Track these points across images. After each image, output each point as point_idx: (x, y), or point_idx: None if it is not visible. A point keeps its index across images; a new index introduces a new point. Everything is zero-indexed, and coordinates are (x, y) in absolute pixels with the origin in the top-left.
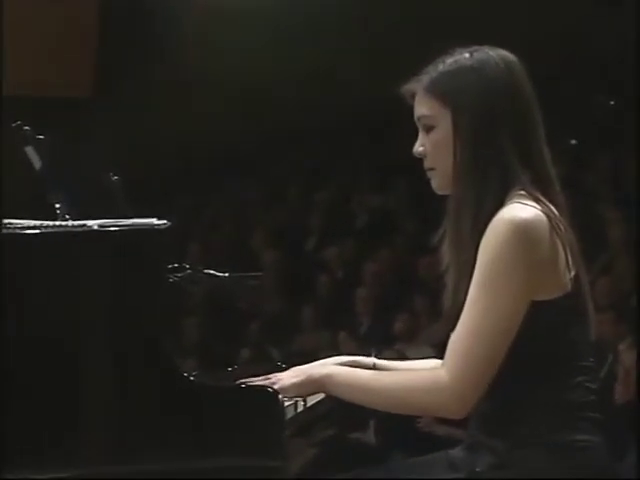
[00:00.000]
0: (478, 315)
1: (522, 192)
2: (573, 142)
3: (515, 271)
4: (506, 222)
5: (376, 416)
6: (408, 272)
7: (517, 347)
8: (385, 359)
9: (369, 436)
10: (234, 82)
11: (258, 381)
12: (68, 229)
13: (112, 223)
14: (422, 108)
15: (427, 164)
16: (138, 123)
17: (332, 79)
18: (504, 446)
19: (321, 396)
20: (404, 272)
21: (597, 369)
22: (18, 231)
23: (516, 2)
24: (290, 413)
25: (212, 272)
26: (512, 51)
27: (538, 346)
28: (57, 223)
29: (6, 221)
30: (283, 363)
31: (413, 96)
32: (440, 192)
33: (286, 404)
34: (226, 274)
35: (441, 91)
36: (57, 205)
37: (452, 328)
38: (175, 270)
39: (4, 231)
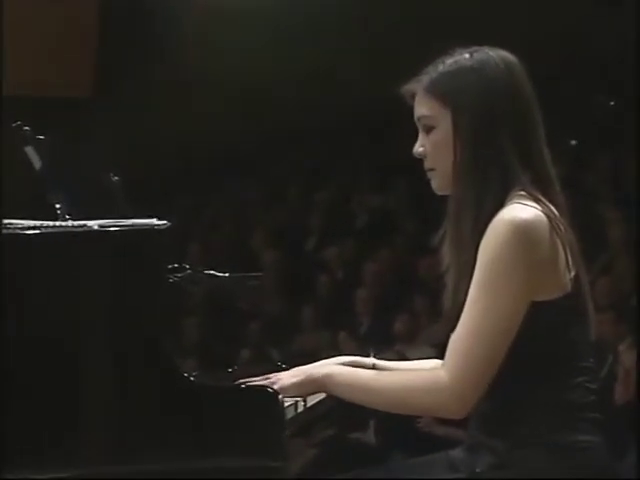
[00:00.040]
0: (478, 315)
1: (522, 192)
2: (573, 142)
3: (515, 271)
4: (506, 222)
5: (376, 416)
6: (408, 272)
7: (517, 347)
8: (385, 359)
9: (369, 436)
10: (234, 82)
11: (258, 381)
12: (68, 229)
13: (112, 223)
14: (422, 108)
15: (427, 165)
16: (138, 123)
17: (332, 79)
18: (504, 446)
19: (321, 396)
20: (404, 272)
21: (597, 369)
22: (18, 231)
23: (516, 2)
24: (290, 413)
25: (212, 272)
26: (512, 51)
27: (538, 346)
28: (57, 223)
29: (6, 221)
30: (283, 363)
31: (413, 96)
32: (440, 192)
33: (286, 404)
34: (226, 274)
35: (441, 91)
36: (57, 205)
37: (452, 328)
38: (175, 270)
39: (4, 231)
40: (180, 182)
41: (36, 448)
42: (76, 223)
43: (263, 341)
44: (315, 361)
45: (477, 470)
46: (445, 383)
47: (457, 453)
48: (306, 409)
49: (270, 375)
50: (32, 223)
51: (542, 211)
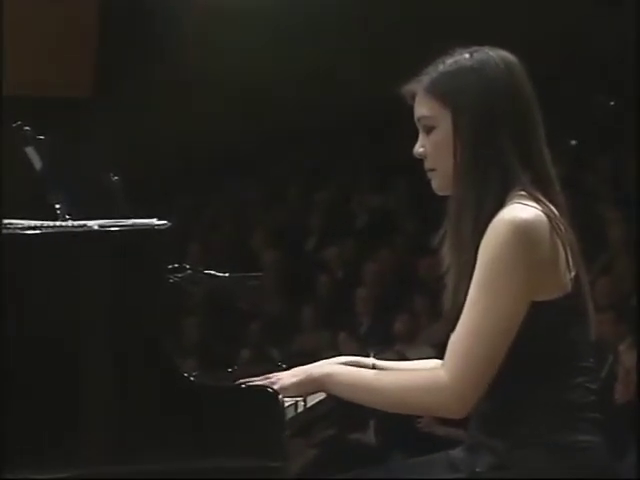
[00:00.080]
0: (478, 315)
1: (522, 192)
2: (573, 142)
3: (515, 271)
4: (506, 223)
5: (376, 416)
6: (408, 272)
7: (517, 347)
8: (385, 359)
9: (369, 436)
10: (234, 82)
11: (258, 381)
12: (68, 229)
13: (112, 223)
14: (422, 109)
15: (427, 165)
16: (138, 123)
17: (332, 79)
18: (504, 446)
19: (321, 396)
20: (404, 272)
21: (597, 369)
22: (18, 231)
23: (516, 2)
24: (290, 413)
25: (212, 272)
26: (512, 51)
27: (538, 346)
28: (57, 223)
29: (6, 221)
30: (283, 363)
31: (413, 97)
32: (440, 193)
33: (286, 404)
34: (226, 274)
35: (441, 92)
36: (57, 205)
37: (452, 328)
38: (175, 270)
39: (4, 231)
40: (180, 182)
41: (36, 448)
42: (76, 223)
43: (263, 341)
44: (315, 361)
45: (477, 470)
46: (445, 383)
47: (457, 453)
48: (306, 409)
49: (270, 375)
50: (32, 223)
51: (542, 211)
